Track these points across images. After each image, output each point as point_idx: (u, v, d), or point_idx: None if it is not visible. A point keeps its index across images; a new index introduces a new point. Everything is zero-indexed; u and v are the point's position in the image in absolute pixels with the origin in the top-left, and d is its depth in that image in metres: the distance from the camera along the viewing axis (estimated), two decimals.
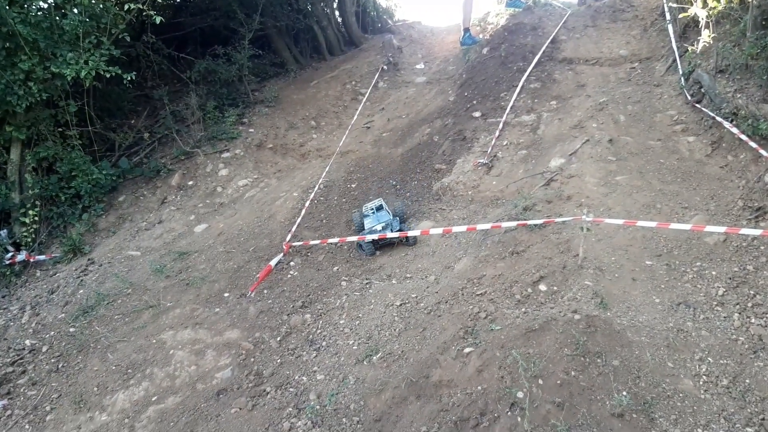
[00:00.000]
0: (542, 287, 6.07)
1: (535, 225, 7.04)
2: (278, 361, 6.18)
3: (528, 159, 9.08)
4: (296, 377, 5.87)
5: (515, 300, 5.99)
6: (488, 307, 5.94)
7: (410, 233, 7.49)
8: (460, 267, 7.13)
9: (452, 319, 5.93)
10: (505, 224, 7.07)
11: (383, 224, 8.07)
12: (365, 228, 8.17)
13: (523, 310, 5.80)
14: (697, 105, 8.59)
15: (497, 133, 9.82)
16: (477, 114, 10.83)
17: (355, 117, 12.85)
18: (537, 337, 5.22)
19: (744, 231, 5.57)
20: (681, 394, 4.63)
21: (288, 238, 8.22)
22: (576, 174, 8.01)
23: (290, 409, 5.40)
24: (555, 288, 6.01)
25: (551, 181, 8.13)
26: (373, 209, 8.39)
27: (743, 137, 7.26)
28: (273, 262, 7.72)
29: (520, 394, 4.70)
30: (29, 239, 9.48)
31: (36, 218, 9.59)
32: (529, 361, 4.95)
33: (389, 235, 7.74)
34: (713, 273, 5.91)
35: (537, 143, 9.38)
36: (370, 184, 9.94)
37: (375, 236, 7.67)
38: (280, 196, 9.85)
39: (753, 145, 7.06)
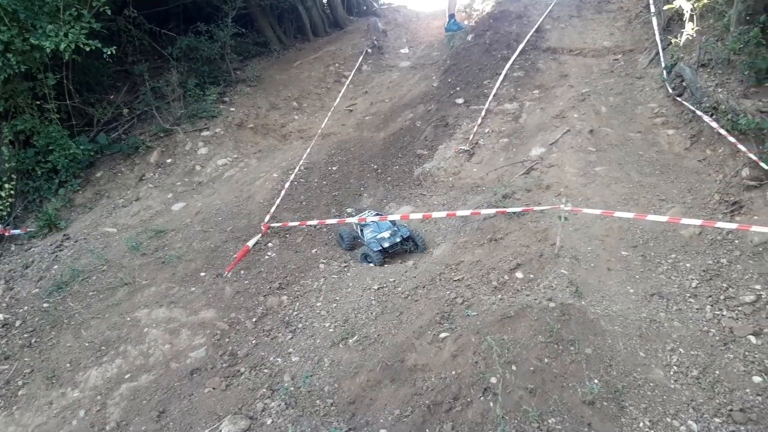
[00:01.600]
0: (519, 274, 6.12)
1: (514, 213, 7.07)
2: (253, 342, 6.17)
3: (509, 147, 9.11)
4: (271, 358, 5.86)
5: (492, 286, 6.03)
6: (465, 293, 5.98)
7: (390, 217, 7.46)
8: (438, 252, 7.16)
9: (429, 304, 5.96)
10: (485, 211, 7.10)
11: (390, 232, 7.62)
12: (366, 238, 7.67)
13: (500, 296, 5.85)
14: (678, 98, 8.64)
15: (479, 121, 9.83)
16: (460, 101, 10.82)
17: (338, 99, 12.79)
18: (512, 324, 5.26)
19: (720, 224, 5.64)
20: (651, 384, 4.70)
21: (266, 219, 8.18)
22: (556, 163, 8.06)
23: (264, 390, 5.39)
24: (531, 276, 6.06)
25: (531, 170, 8.17)
26: (374, 221, 7.72)
27: (722, 132, 7.32)
28: (251, 243, 7.68)
29: (493, 380, 4.74)
30: (4, 213, 9.33)
31: (11, 192, 9.45)
32: (504, 347, 4.99)
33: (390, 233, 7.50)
34: (688, 265, 5.98)
35: (518, 132, 9.41)
36: (351, 167, 9.90)
37: (386, 244, 7.41)
38: (260, 176, 9.78)
39: (731, 139, 7.13)
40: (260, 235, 7.91)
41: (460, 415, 4.62)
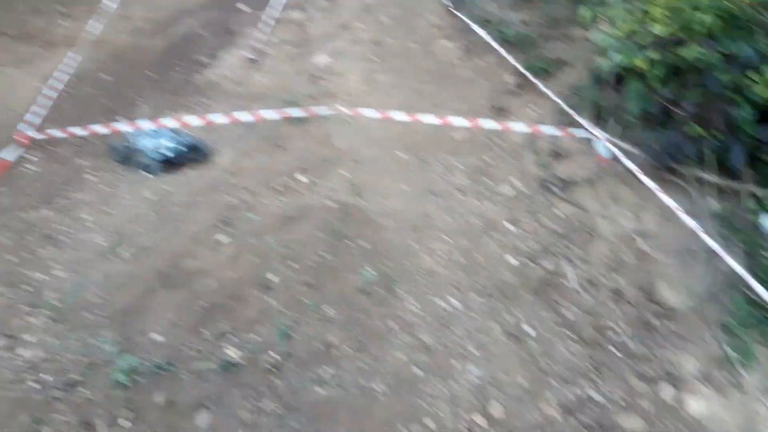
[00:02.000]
0: (302, 178, 6.16)
1: (298, 119, 7.04)
2: (12, 259, 5.58)
3: (295, 56, 8.95)
4: (33, 275, 5.35)
5: (275, 191, 6.02)
6: (247, 198, 5.92)
7: (169, 124, 7.04)
8: (221, 160, 6.94)
9: (209, 210, 5.80)
10: (267, 114, 6.96)
11: (172, 140, 6.99)
12: (145, 148, 6.93)
13: (283, 200, 5.87)
14: (454, 11, 9.00)
15: (266, 29, 9.53)
16: (244, 7, 10.38)
17: (113, 4, 11.68)
18: (294, 225, 5.35)
19: (484, 124, 6.06)
20: (422, 270, 5.03)
21: (28, 132, 7.34)
22: (340, 72, 8.12)
23: (24, 306, 4.94)
24: (315, 179, 6.13)
25: (317, 79, 8.14)
26: (152, 129, 7.13)
27: (492, 43, 7.78)
28: (9, 156, 6.86)
29: (272, 277, 4.78)
30: None
31: None
32: (285, 246, 5.05)
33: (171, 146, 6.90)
34: (458, 164, 6.39)
35: (305, 41, 9.26)
36: (127, 76, 9.12)
37: (170, 153, 6.83)
38: (21, 87, 8.72)
39: (500, 49, 7.60)
40: (21, 148, 7.10)
41: (238, 314, 4.63)
